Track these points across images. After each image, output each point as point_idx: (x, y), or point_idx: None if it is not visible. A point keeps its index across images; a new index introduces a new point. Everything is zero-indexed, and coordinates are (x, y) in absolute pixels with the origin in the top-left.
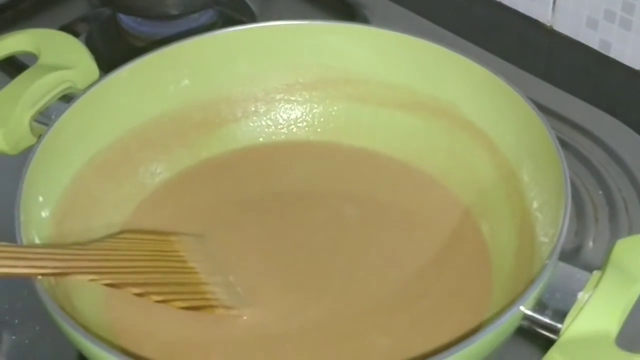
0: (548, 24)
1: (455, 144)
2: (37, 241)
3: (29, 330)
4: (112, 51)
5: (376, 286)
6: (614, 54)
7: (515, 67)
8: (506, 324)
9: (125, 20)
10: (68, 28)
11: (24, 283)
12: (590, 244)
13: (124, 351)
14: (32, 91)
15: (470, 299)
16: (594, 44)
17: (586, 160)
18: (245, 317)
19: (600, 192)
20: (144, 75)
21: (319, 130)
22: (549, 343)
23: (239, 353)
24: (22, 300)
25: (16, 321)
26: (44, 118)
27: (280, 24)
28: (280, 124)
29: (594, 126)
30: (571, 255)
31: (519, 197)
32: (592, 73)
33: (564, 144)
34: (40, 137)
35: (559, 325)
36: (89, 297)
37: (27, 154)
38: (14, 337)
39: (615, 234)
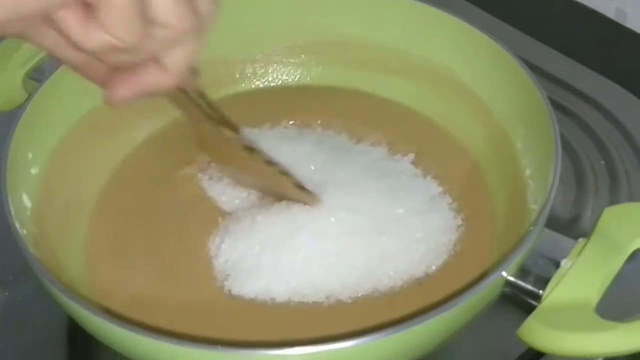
0: None
1: (449, 109)
2: (24, 198)
3: (22, 287)
4: None
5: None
6: (630, 24)
7: (527, 36)
8: (487, 289)
9: None
10: None
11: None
12: (589, 213)
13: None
14: (26, 47)
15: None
16: (610, 13)
17: (590, 130)
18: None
19: (602, 162)
20: None
21: None
22: (533, 309)
23: (209, 320)
24: (16, 258)
25: (10, 278)
26: (38, 74)
27: None
28: (278, 86)
29: (602, 97)
30: (568, 224)
31: (512, 163)
32: (606, 43)
33: (569, 113)
34: (32, 93)
35: (541, 292)
36: (72, 253)
37: (18, 110)
38: (6, 294)
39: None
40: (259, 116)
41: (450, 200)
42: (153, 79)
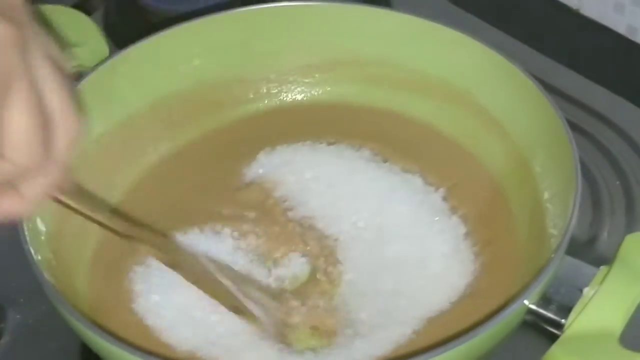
0: (575, 7)
1: (467, 131)
2: (39, 223)
3: (34, 309)
4: (129, 27)
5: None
6: None
7: (538, 53)
8: (509, 317)
9: None
10: (83, 3)
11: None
12: (605, 235)
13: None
14: None
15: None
16: (621, 29)
17: (605, 150)
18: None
19: (617, 182)
20: (153, 54)
21: None
22: (555, 338)
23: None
24: (28, 279)
25: (22, 300)
26: None
27: (295, 5)
28: (293, 105)
29: (615, 115)
30: (584, 246)
31: (530, 187)
32: (618, 59)
33: (583, 132)
34: None
35: (563, 321)
36: (86, 276)
37: None
38: (19, 316)
39: (631, 227)
40: (274, 135)
41: (471, 228)
42: (7, 206)
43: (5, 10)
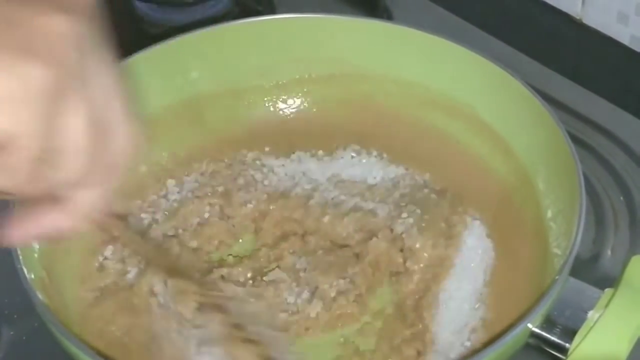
0: (577, 17)
1: (469, 147)
2: None
3: (27, 325)
4: (126, 37)
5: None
6: None
7: (540, 64)
8: (512, 341)
9: (140, 6)
10: None
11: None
12: (609, 252)
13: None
14: None
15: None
16: (625, 40)
17: (608, 165)
18: None
19: (621, 198)
20: (151, 67)
21: None
22: None
23: None
24: (22, 295)
25: (15, 316)
26: None
27: (293, 17)
28: (289, 116)
29: (618, 129)
30: (588, 264)
31: (533, 205)
32: (621, 70)
33: (585, 146)
34: None
35: (567, 345)
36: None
37: None
38: (12, 333)
39: (635, 244)
40: (271, 146)
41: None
42: (53, 221)
43: (67, 4)
